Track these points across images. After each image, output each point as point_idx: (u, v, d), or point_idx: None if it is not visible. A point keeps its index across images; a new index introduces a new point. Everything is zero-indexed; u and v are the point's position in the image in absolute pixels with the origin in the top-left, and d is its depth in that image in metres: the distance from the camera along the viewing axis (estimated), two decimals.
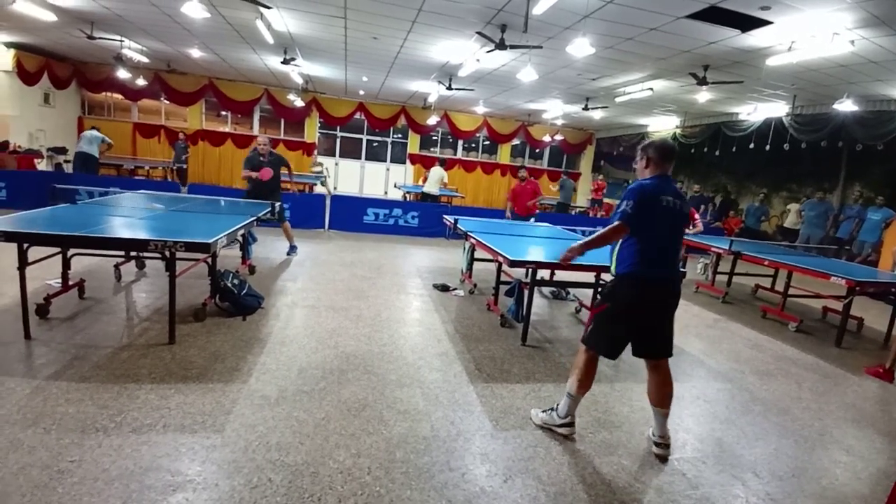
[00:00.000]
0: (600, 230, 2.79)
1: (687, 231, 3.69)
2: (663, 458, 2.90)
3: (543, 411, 3.15)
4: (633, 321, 2.81)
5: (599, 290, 2.96)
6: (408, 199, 13.62)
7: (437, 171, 11.74)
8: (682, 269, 2.99)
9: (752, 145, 11.51)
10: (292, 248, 7.41)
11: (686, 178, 16.35)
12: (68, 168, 13.43)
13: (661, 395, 2.89)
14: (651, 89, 10.06)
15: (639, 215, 2.69)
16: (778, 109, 10.75)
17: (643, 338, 2.87)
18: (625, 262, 2.77)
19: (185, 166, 14.00)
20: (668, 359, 2.91)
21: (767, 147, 11.09)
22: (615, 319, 2.82)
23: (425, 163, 18.00)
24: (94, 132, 10.97)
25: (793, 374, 4.56)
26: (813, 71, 7.70)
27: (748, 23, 6.07)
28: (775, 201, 13.47)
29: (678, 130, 14.25)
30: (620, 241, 2.80)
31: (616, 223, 2.71)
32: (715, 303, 7.11)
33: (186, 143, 14.54)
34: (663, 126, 14.98)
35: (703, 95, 9.94)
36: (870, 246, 9.92)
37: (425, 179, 12.35)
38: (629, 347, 2.91)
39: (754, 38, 6.60)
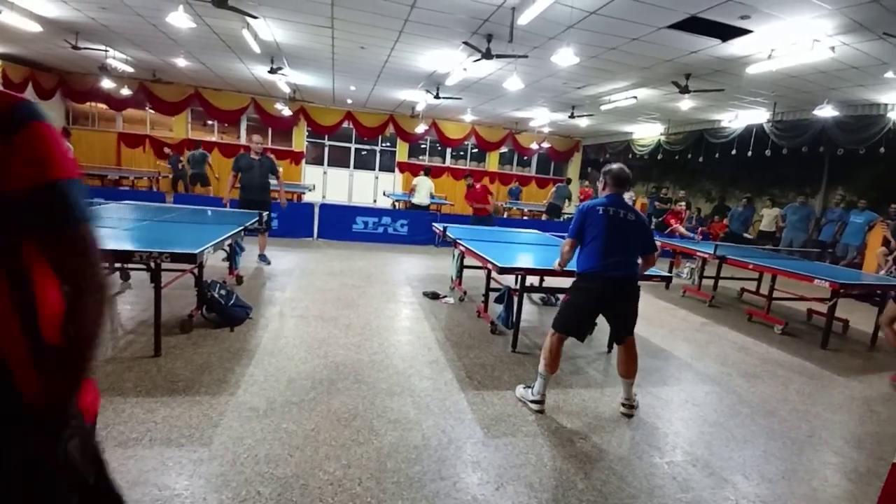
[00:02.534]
0: (563, 252, 3.58)
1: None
2: (629, 416, 3.50)
3: (524, 387, 3.60)
4: (590, 308, 3.42)
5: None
6: (397, 207, 13.61)
7: (424, 182, 11.67)
8: (635, 267, 3.48)
9: (734, 151, 11.70)
10: (262, 257, 7.37)
11: (671, 183, 16.54)
12: None
13: (629, 370, 3.50)
14: (635, 98, 10.20)
15: (581, 228, 3.38)
16: (759, 116, 10.95)
17: (609, 322, 3.51)
18: (581, 263, 3.42)
19: (179, 174, 13.96)
20: (633, 338, 3.49)
21: (749, 153, 11.28)
22: (576, 306, 3.41)
23: (413, 171, 18.06)
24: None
25: (779, 377, 4.61)
26: (793, 77, 7.85)
27: (728, 32, 6.18)
28: (759, 206, 13.66)
29: (662, 137, 14.43)
30: (580, 247, 3.45)
31: (566, 240, 3.52)
32: (701, 307, 7.18)
33: (177, 154, 14.47)
34: (648, 133, 15.17)
35: (686, 103, 10.12)
36: (854, 249, 10.08)
37: (412, 189, 12.32)
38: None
39: (734, 47, 6.73)
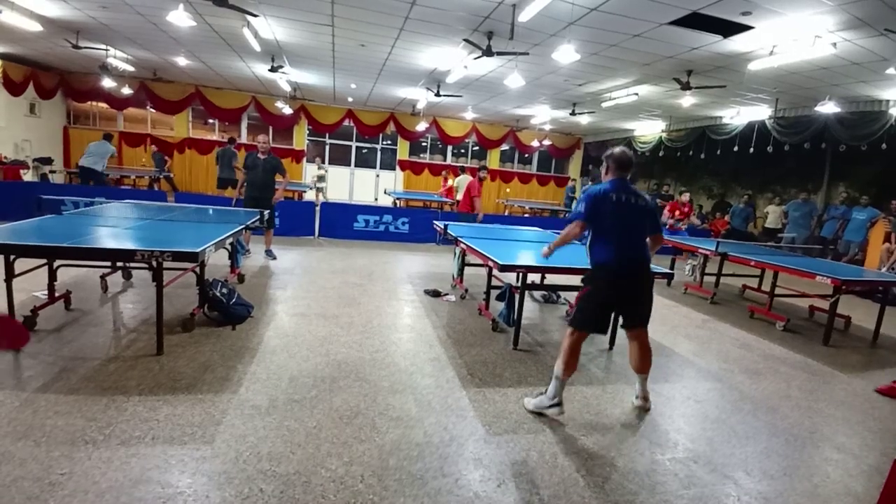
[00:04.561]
0: (563, 232, 3.42)
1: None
2: (645, 410, 3.50)
3: (534, 397, 3.41)
4: (612, 299, 3.31)
5: (582, 278, 3.54)
6: (398, 205, 13.62)
7: (465, 179, 11.61)
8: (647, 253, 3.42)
9: (736, 148, 11.68)
10: (268, 252, 7.50)
11: (673, 180, 16.52)
12: (54, 178, 13.32)
13: (642, 363, 3.48)
14: (636, 94, 10.18)
15: (593, 213, 3.22)
16: (760, 112, 10.92)
17: (623, 310, 3.42)
18: (598, 253, 3.29)
19: (162, 175, 13.89)
20: (646, 330, 3.45)
21: (751, 149, 11.26)
22: (597, 299, 3.29)
23: (414, 169, 18.07)
24: (106, 145, 10.29)
25: (781, 373, 4.61)
26: (795, 74, 7.83)
27: (730, 28, 6.17)
28: (760, 202, 13.63)
29: (664, 134, 14.41)
30: (590, 238, 3.33)
31: (573, 222, 3.31)
32: (703, 303, 7.17)
33: (160, 154, 14.47)
34: (649, 130, 15.15)
35: (688, 100, 10.10)
36: (856, 245, 10.07)
37: (449, 189, 12.85)
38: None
39: (736, 44, 6.71)
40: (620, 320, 3.51)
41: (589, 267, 3.38)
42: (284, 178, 7.40)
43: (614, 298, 3.31)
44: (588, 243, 3.37)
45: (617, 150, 3.45)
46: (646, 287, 3.38)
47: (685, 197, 9.78)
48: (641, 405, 3.51)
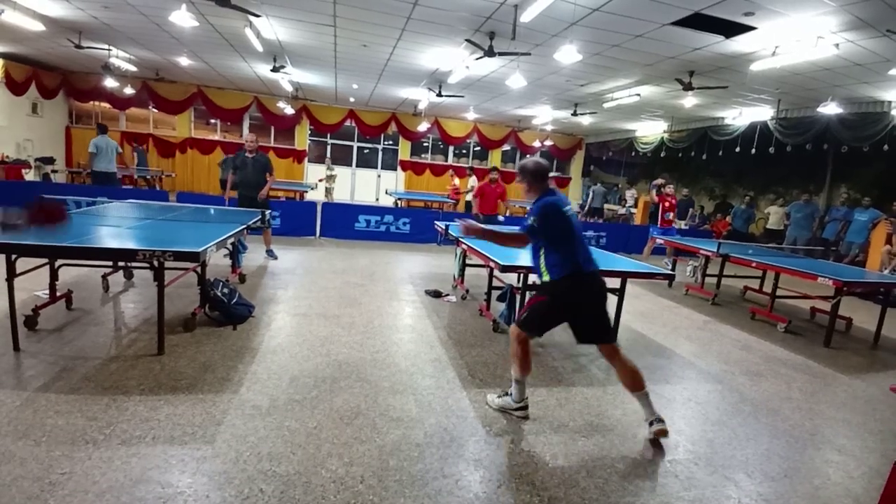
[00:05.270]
0: (508, 230, 3.29)
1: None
2: (664, 435, 3.08)
3: (499, 396, 3.36)
4: (569, 312, 3.12)
5: (536, 284, 3.29)
6: (399, 205, 13.64)
7: (473, 181, 11.69)
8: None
9: (737, 149, 11.67)
10: (269, 252, 7.52)
11: (674, 181, 16.50)
12: (56, 178, 13.35)
13: (635, 381, 3.11)
14: (638, 95, 10.18)
15: (547, 227, 3.04)
16: (763, 113, 10.91)
17: (585, 327, 3.15)
18: (560, 266, 3.04)
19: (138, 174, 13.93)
20: (616, 344, 3.18)
21: (753, 150, 11.25)
22: (553, 311, 3.12)
23: (415, 169, 18.08)
24: (108, 140, 9.95)
25: (782, 375, 4.60)
26: (797, 75, 7.82)
27: (732, 29, 6.16)
28: (762, 203, 13.62)
29: (666, 135, 14.40)
30: (546, 250, 3.09)
31: (521, 233, 3.14)
32: (704, 305, 7.16)
33: (141, 147, 14.60)
34: (651, 131, 15.14)
35: (690, 100, 10.10)
36: (857, 247, 10.05)
37: (456, 191, 13.24)
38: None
39: (738, 44, 6.70)
40: (578, 337, 3.19)
41: (547, 281, 3.10)
42: (271, 178, 7.31)
43: (575, 307, 3.08)
44: (543, 257, 3.10)
45: (530, 162, 3.20)
46: (606, 298, 3.18)
47: (669, 188, 9.84)
48: (659, 429, 3.05)
